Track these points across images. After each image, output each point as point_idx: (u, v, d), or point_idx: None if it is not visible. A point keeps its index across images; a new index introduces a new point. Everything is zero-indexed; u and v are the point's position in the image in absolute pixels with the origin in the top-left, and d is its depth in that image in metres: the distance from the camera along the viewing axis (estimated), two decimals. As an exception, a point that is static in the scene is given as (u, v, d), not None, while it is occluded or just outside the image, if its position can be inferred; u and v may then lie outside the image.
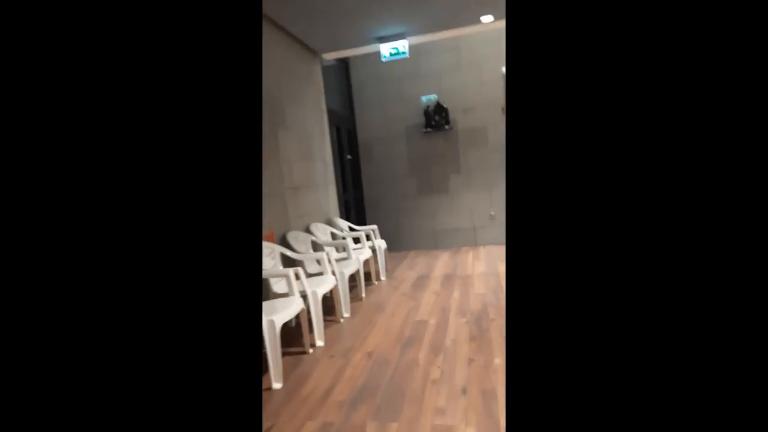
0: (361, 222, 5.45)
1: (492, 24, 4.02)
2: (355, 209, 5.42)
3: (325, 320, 2.93)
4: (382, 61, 5.13)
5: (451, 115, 5.08)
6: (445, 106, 5.06)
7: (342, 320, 2.94)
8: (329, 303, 3.07)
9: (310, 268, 3.18)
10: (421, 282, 3.76)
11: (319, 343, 2.54)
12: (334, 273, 2.95)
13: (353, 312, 3.10)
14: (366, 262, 3.86)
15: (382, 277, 4.00)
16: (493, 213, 5.11)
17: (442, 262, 4.46)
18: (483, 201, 5.13)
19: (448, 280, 3.74)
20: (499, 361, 2.07)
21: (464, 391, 1.83)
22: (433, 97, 5.11)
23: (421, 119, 5.15)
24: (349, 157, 5.36)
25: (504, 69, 4.92)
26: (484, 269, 3.96)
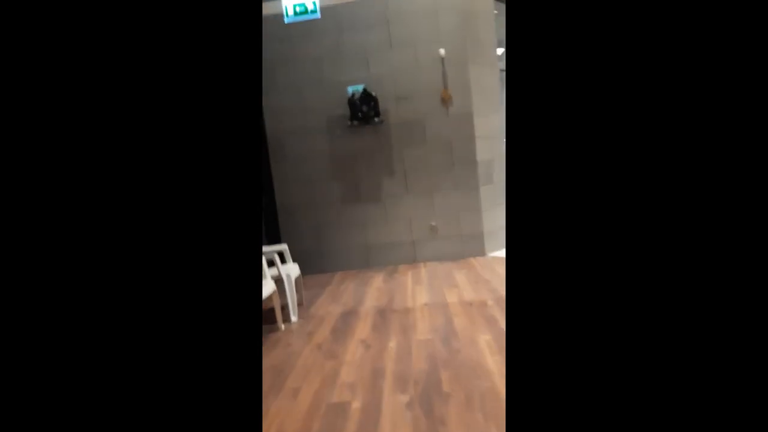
0: (274, 235, 4.34)
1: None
2: (265, 219, 4.29)
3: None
4: (294, 36, 4.09)
5: (382, 105, 4.16)
6: (374, 94, 4.13)
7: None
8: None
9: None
10: (345, 323, 2.77)
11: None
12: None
13: (237, 388, 2.02)
14: (270, 297, 2.79)
15: (293, 317, 2.95)
16: (434, 223, 4.27)
17: (374, 289, 3.50)
18: (423, 209, 4.27)
19: (382, 318, 2.79)
20: None
21: None
22: (361, 87, 4.16)
23: (346, 110, 4.17)
24: (255, 155, 4.23)
25: (443, 51, 4.12)
26: (427, 298, 3.08)
